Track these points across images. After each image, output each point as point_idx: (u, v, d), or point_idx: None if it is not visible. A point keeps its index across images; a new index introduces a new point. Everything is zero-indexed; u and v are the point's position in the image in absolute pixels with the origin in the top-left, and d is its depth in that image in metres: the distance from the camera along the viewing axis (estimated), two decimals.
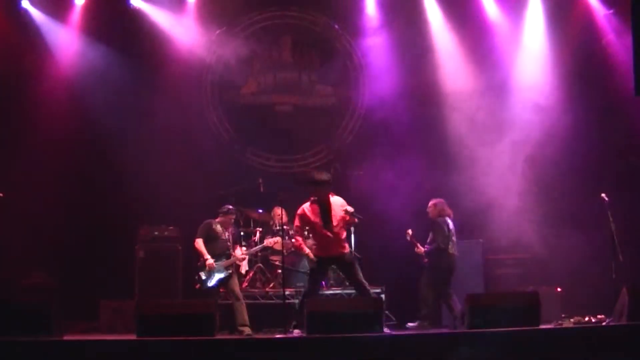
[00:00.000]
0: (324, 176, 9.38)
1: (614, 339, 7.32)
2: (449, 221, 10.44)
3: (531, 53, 12.17)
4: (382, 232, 10.86)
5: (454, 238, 10.38)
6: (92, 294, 10.92)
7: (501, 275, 11.23)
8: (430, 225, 10.53)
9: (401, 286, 10.75)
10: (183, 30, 12.14)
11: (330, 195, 9.36)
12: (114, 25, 11.95)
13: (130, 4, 11.99)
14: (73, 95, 11.75)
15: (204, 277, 9.93)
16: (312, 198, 9.41)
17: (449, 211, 10.51)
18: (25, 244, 11.16)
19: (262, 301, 10.75)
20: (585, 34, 11.93)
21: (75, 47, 11.87)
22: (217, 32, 12.53)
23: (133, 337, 7.69)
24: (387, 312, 10.19)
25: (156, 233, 11.13)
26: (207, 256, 9.91)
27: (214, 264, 9.90)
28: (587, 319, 9.92)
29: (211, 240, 10.05)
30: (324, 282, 10.79)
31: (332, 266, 9.98)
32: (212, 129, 12.55)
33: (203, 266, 9.94)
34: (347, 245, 9.46)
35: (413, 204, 11.01)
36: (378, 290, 10.56)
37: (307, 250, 9.40)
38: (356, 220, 9.29)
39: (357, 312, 7.84)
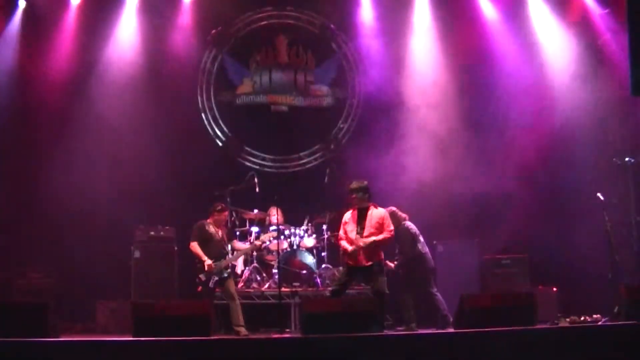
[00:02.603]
0: (353, 184, 9.23)
1: (610, 339, 7.32)
2: (409, 225, 10.28)
3: (526, 51, 12.17)
4: None
5: (420, 238, 10.25)
6: (89, 295, 10.92)
7: (497, 275, 11.23)
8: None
9: (398, 286, 10.72)
10: (179, 30, 12.13)
11: (370, 206, 9.11)
12: (109, 24, 11.93)
13: (125, 4, 11.99)
14: (69, 94, 11.73)
15: (204, 279, 9.89)
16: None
17: (403, 215, 10.32)
18: (22, 245, 11.14)
19: (258, 301, 10.73)
20: (581, 34, 11.94)
21: (71, 45, 11.86)
22: (213, 32, 12.54)
23: (129, 337, 7.69)
24: None
25: (152, 233, 11.12)
26: (205, 257, 9.86)
27: (213, 265, 9.87)
28: (583, 318, 9.93)
29: (206, 242, 9.97)
30: (319, 281, 10.81)
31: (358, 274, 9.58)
32: (208, 129, 12.55)
33: (202, 268, 9.90)
34: (374, 256, 9.05)
35: (411, 201, 10.99)
36: None
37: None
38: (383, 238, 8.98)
39: (354, 312, 7.81)
